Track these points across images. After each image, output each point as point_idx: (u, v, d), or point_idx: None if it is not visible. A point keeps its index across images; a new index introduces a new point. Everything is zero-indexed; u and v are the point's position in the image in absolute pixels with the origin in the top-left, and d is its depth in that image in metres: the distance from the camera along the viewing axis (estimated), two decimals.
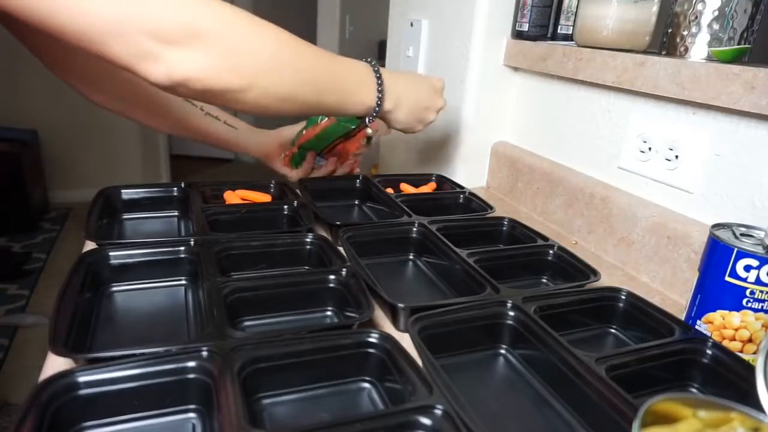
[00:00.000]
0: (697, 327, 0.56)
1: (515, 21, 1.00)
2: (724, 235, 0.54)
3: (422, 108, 0.80)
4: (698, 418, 0.34)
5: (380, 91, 0.72)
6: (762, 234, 0.55)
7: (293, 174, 0.97)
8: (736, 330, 0.54)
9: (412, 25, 1.20)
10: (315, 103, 0.65)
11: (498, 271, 0.64)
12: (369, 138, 0.93)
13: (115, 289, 0.62)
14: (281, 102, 0.61)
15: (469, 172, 1.09)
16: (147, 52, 0.49)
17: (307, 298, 0.61)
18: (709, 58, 0.71)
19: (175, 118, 0.90)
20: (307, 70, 0.63)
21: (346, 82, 0.69)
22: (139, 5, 0.48)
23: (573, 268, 0.69)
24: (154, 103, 0.86)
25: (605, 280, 0.67)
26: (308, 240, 0.70)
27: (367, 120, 0.74)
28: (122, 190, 0.82)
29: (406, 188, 0.96)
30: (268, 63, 0.58)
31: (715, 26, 0.71)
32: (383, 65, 1.47)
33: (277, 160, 1.00)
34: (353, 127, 0.91)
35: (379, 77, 0.72)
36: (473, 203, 0.89)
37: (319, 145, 0.95)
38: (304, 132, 0.96)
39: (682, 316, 0.58)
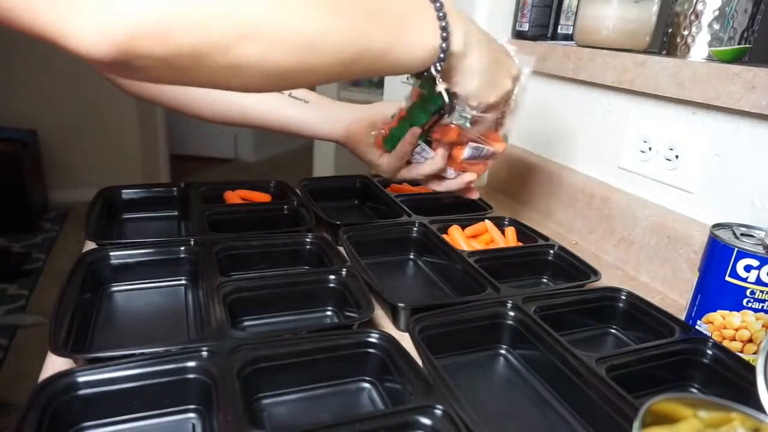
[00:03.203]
0: (697, 327, 0.56)
1: (515, 21, 1.00)
2: (725, 235, 0.54)
3: (497, 65, 0.54)
4: (698, 418, 0.34)
5: (443, 19, 0.47)
6: (762, 234, 0.55)
7: (383, 161, 0.65)
8: (737, 330, 0.54)
9: None
10: (351, 53, 0.42)
11: (498, 271, 0.64)
12: (457, 115, 0.57)
13: (115, 289, 0.62)
14: (298, 56, 0.38)
15: None
16: None
17: (307, 298, 0.61)
18: (710, 58, 0.71)
19: (226, 104, 0.69)
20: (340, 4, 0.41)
21: (391, 11, 0.45)
22: None
23: (573, 268, 0.69)
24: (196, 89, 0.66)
25: (605, 280, 0.67)
26: (308, 240, 0.70)
27: (433, 69, 0.48)
28: (122, 190, 0.82)
29: (406, 188, 0.95)
30: None
31: (716, 26, 0.71)
32: None
33: (364, 143, 0.68)
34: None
35: (439, 4, 0.47)
36: (473, 202, 0.89)
37: (417, 118, 0.60)
38: (404, 104, 0.63)
39: (683, 316, 0.58)
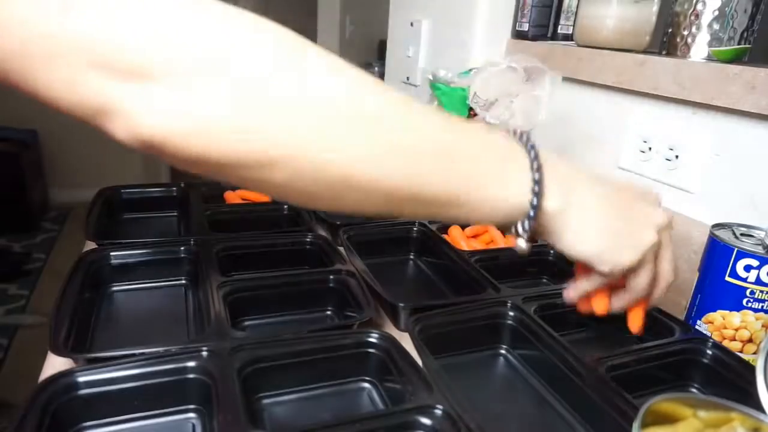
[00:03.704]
0: (697, 327, 0.56)
1: (515, 21, 1.00)
2: (724, 235, 0.54)
3: (625, 214, 0.42)
4: (698, 418, 0.34)
5: (537, 173, 0.38)
6: (762, 234, 0.55)
7: None
8: (737, 330, 0.54)
9: (412, 25, 1.20)
10: (408, 195, 0.36)
11: (498, 271, 0.64)
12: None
13: (115, 289, 0.62)
14: (342, 191, 0.34)
15: None
16: (95, 93, 0.29)
17: (307, 298, 0.61)
18: (710, 58, 0.71)
19: None
20: (395, 135, 0.34)
21: (471, 158, 0.37)
22: (78, 8, 0.27)
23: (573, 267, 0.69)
24: None
25: None
26: (308, 240, 0.70)
27: (516, 229, 0.40)
28: (122, 190, 0.82)
29: None
30: (317, 117, 0.32)
31: (716, 26, 0.71)
32: (383, 65, 1.47)
33: None
34: None
35: (533, 154, 0.39)
36: None
37: None
38: None
39: (682, 317, 0.58)
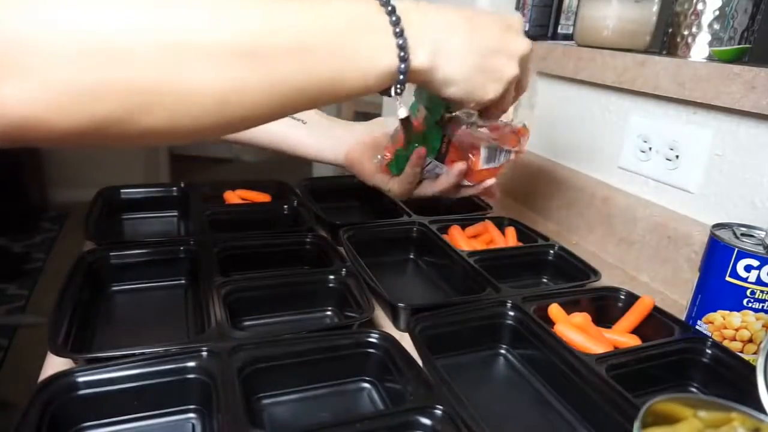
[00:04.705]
0: (697, 327, 0.56)
1: None
2: (725, 235, 0.54)
3: (488, 52, 0.45)
4: (698, 418, 0.34)
5: (399, 34, 0.39)
6: (762, 234, 0.55)
7: (393, 186, 0.61)
8: (737, 330, 0.54)
9: None
10: (282, 96, 0.36)
11: (498, 271, 0.64)
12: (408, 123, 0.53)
13: (115, 289, 0.62)
14: (215, 111, 0.34)
15: None
16: None
17: (307, 298, 0.61)
18: (710, 58, 0.71)
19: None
20: (251, 42, 0.34)
21: (335, 38, 0.37)
22: None
23: (573, 267, 0.69)
24: None
25: (605, 280, 0.67)
26: (308, 240, 0.70)
27: (392, 91, 0.42)
28: (122, 190, 0.82)
29: None
30: (165, 49, 0.30)
31: (716, 26, 0.71)
32: None
33: (367, 168, 0.64)
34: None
35: (392, 13, 0.39)
36: (473, 203, 0.89)
37: (431, 141, 0.56)
38: (413, 117, 0.56)
39: (683, 316, 0.58)
